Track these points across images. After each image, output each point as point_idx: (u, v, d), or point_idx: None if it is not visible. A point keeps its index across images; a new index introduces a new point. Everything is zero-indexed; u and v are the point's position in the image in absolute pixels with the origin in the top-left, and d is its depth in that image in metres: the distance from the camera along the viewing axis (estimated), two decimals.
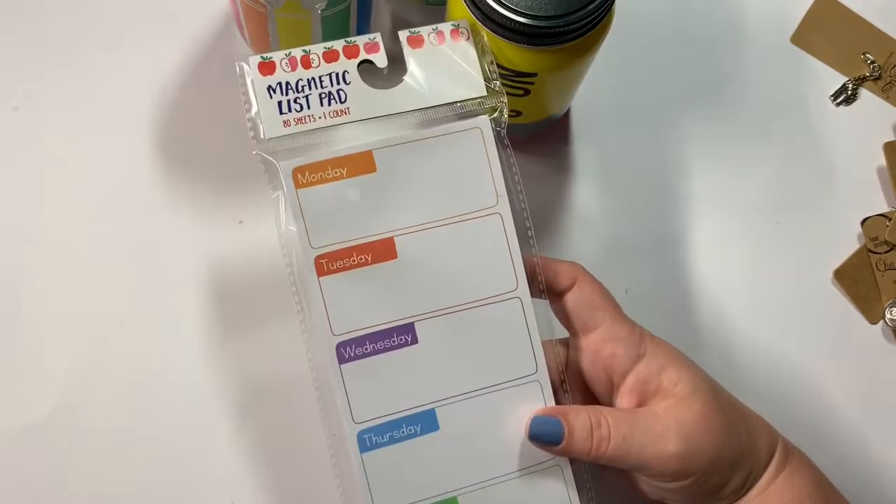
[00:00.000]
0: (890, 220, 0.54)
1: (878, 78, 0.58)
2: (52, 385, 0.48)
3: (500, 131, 0.40)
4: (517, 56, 0.44)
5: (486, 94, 0.39)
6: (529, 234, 0.41)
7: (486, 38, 0.41)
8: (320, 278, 0.38)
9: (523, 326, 0.40)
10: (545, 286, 0.41)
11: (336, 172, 0.38)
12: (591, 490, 0.41)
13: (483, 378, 0.39)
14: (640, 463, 0.38)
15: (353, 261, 0.38)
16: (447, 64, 0.39)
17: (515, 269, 0.39)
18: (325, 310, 0.38)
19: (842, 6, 0.59)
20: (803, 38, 0.59)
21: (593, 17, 0.42)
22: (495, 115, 0.40)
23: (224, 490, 0.47)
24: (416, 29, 0.40)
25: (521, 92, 0.47)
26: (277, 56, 0.38)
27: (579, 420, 0.38)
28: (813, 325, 0.53)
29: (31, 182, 0.52)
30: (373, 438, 0.38)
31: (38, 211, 0.51)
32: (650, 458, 0.38)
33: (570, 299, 0.41)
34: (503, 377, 0.39)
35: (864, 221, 0.54)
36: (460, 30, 0.40)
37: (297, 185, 0.38)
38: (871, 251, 0.54)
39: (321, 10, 0.47)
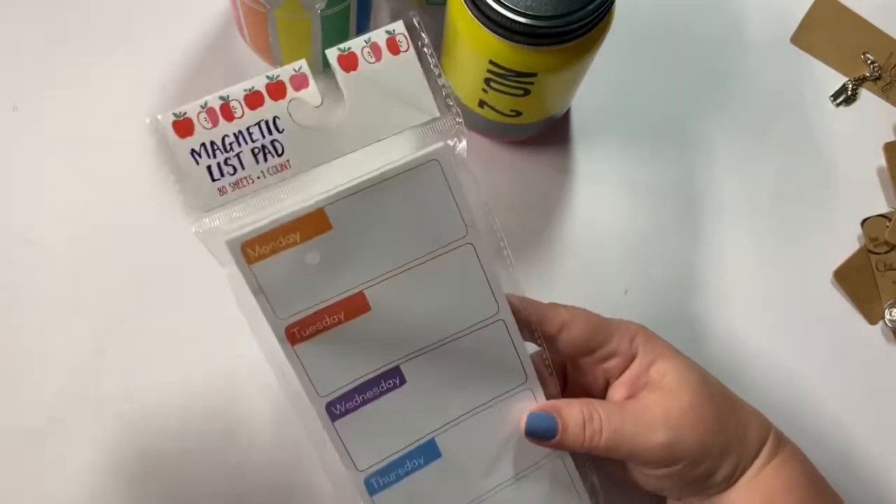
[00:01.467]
0: (890, 220, 0.54)
1: (878, 78, 0.58)
2: (52, 386, 0.48)
3: (458, 154, 0.36)
4: (517, 56, 0.44)
5: (438, 115, 0.35)
6: (506, 254, 0.39)
7: (427, 42, 0.35)
8: (294, 347, 0.36)
9: (509, 344, 0.39)
10: (533, 332, 0.40)
11: (289, 239, 0.34)
12: (592, 473, 0.42)
13: (476, 399, 0.39)
14: (631, 453, 0.39)
15: (326, 322, 0.36)
16: (389, 85, 0.34)
17: (494, 294, 0.38)
18: (306, 376, 0.36)
19: (842, 6, 0.59)
20: (803, 38, 0.59)
21: (593, 17, 0.42)
22: (451, 139, 0.36)
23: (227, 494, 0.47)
24: (347, 45, 0.34)
25: (521, 92, 0.47)
26: (192, 110, 0.33)
27: (573, 415, 0.39)
28: (813, 326, 0.53)
29: (30, 181, 0.52)
30: (380, 481, 0.38)
31: (37, 210, 0.51)
32: (640, 447, 0.39)
33: (562, 342, 0.41)
34: (496, 393, 0.39)
35: (864, 221, 0.54)
36: (397, 38, 0.34)
37: (249, 260, 0.34)
38: (871, 251, 0.54)
39: (321, 10, 0.47)
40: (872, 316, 0.54)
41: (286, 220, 0.34)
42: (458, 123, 0.36)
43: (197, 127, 0.32)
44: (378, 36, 0.34)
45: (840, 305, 0.54)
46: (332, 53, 0.34)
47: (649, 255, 0.53)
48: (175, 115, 0.32)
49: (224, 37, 0.55)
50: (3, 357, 0.49)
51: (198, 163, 0.33)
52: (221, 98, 0.33)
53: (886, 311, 0.53)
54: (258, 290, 0.35)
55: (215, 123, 0.33)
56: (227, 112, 0.33)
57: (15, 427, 0.47)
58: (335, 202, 0.34)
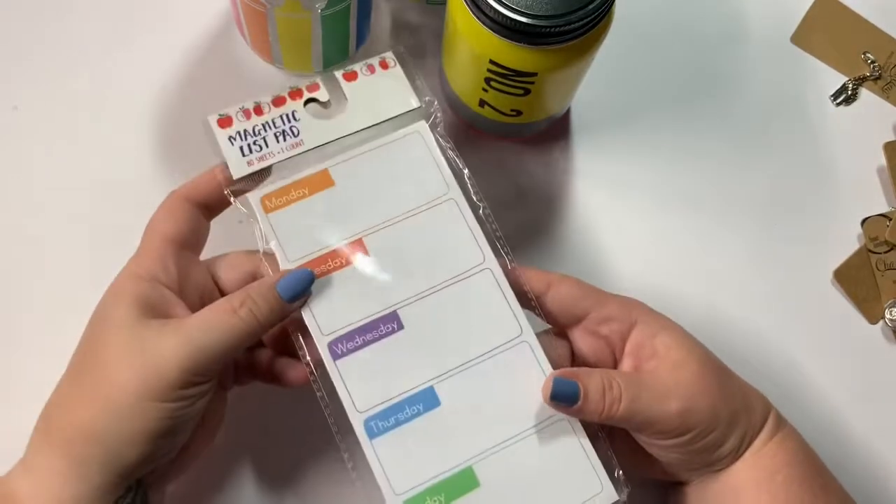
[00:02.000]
0: (890, 220, 0.54)
1: (878, 78, 0.58)
2: (51, 387, 0.48)
3: (439, 131, 0.44)
4: (517, 56, 0.44)
5: (419, 105, 0.44)
6: (493, 226, 0.43)
7: (411, 65, 0.45)
8: None
9: (499, 294, 0.42)
10: (521, 290, 0.42)
11: (299, 193, 0.42)
12: (605, 440, 0.41)
13: (473, 349, 0.41)
14: (646, 421, 0.40)
15: (330, 266, 0.41)
16: (381, 88, 0.44)
17: (479, 244, 0.42)
18: (311, 313, 0.41)
19: (842, 6, 0.59)
20: (803, 38, 0.59)
21: (593, 16, 0.42)
22: (431, 119, 0.44)
23: (234, 490, 0.47)
24: (350, 66, 0.44)
25: (521, 92, 0.47)
26: (232, 110, 0.43)
27: (592, 382, 0.40)
28: (813, 325, 0.53)
29: (30, 181, 0.52)
30: (379, 424, 0.40)
31: (37, 210, 0.51)
32: (655, 416, 0.40)
33: (550, 300, 0.42)
34: (492, 344, 0.41)
35: (864, 221, 0.54)
36: (388, 60, 0.44)
37: (267, 210, 0.42)
38: (871, 251, 0.54)
39: (321, 10, 0.47)
40: (872, 316, 0.54)
41: (296, 179, 0.43)
42: (436, 108, 0.44)
43: (234, 121, 0.43)
44: (373, 60, 0.45)
45: (840, 305, 0.54)
46: (339, 74, 0.44)
47: (648, 254, 0.53)
48: (219, 115, 0.43)
49: (224, 36, 0.55)
50: (2, 357, 0.49)
51: (233, 144, 0.42)
52: (255, 103, 0.43)
53: (886, 310, 0.53)
54: (273, 236, 0.42)
55: (248, 118, 0.43)
56: (258, 110, 0.43)
57: (16, 427, 0.47)
58: (337, 164, 0.43)
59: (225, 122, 0.43)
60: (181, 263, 0.41)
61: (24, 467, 0.38)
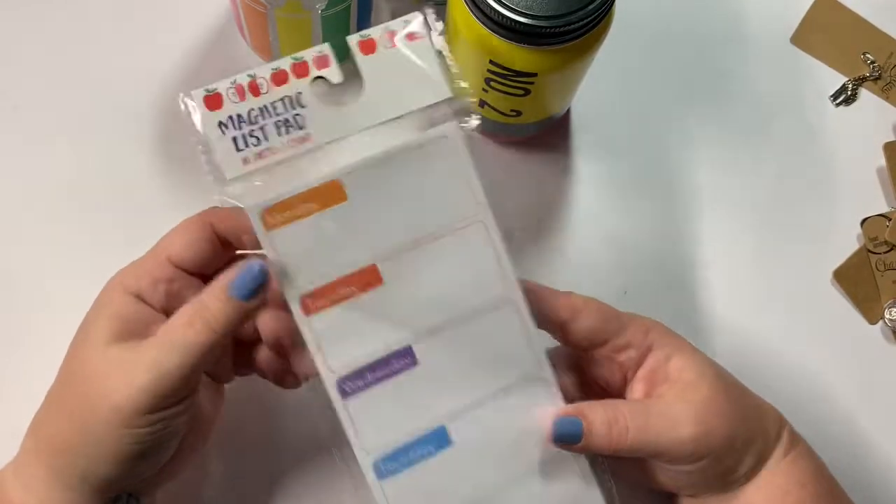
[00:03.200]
0: (890, 220, 0.54)
1: (878, 78, 0.58)
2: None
3: (471, 134, 0.37)
4: (517, 56, 0.44)
5: (451, 95, 0.37)
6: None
7: (440, 31, 0.37)
8: (307, 317, 0.36)
9: (519, 330, 0.39)
10: (544, 317, 0.40)
11: (306, 208, 0.36)
12: (606, 471, 0.41)
13: (488, 387, 0.38)
14: (658, 450, 0.39)
15: (339, 295, 0.37)
16: (405, 67, 0.36)
17: (505, 275, 0.38)
18: (318, 348, 0.37)
19: (842, 6, 0.59)
20: (803, 38, 0.59)
21: (593, 17, 0.42)
22: (463, 114, 0.37)
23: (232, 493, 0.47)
24: (367, 32, 0.37)
25: (521, 92, 0.47)
26: (223, 86, 0.35)
27: (597, 416, 0.39)
28: (813, 325, 0.53)
29: (30, 181, 0.52)
30: (389, 466, 0.37)
31: (37, 210, 0.51)
32: (666, 444, 0.39)
33: (575, 330, 0.41)
34: (507, 382, 0.39)
35: (863, 221, 0.54)
36: (413, 26, 0.37)
37: (268, 227, 0.36)
38: (870, 251, 0.54)
39: (321, 10, 0.47)
40: (872, 316, 0.54)
41: (303, 190, 0.36)
42: (470, 102, 0.37)
43: (225, 101, 0.35)
44: (395, 24, 0.37)
45: (840, 305, 0.54)
46: (353, 39, 0.36)
47: (649, 255, 0.54)
48: (206, 90, 0.35)
49: (224, 37, 0.55)
50: (6, 358, 0.49)
51: (224, 133, 0.35)
52: (249, 76, 0.35)
53: (886, 310, 0.53)
54: (275, 258, 0.36)
55: (242, 98, 0.35)
56: (254, 88, 0.35)
57: (16, 426, 0.47)
58: (350, 174, 0.36)
59: (213, 101, 0.35)
60: (175, 286, 0.39)
61: (14, 468, 0.39)
